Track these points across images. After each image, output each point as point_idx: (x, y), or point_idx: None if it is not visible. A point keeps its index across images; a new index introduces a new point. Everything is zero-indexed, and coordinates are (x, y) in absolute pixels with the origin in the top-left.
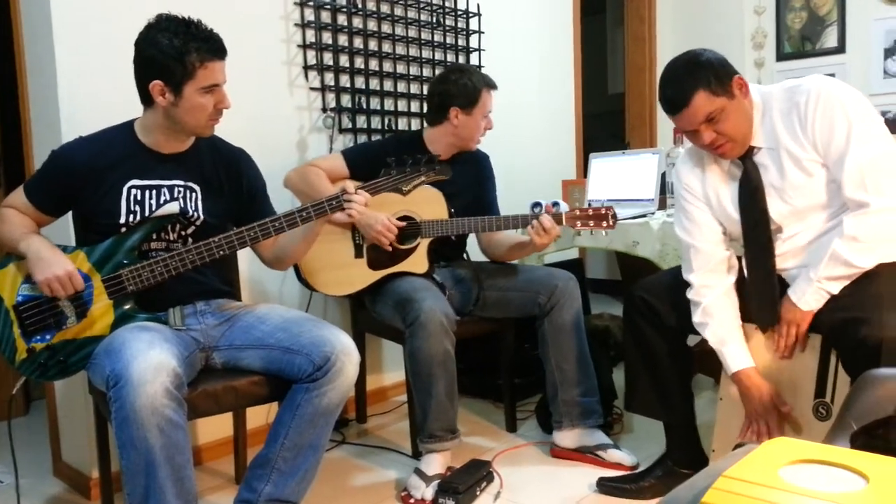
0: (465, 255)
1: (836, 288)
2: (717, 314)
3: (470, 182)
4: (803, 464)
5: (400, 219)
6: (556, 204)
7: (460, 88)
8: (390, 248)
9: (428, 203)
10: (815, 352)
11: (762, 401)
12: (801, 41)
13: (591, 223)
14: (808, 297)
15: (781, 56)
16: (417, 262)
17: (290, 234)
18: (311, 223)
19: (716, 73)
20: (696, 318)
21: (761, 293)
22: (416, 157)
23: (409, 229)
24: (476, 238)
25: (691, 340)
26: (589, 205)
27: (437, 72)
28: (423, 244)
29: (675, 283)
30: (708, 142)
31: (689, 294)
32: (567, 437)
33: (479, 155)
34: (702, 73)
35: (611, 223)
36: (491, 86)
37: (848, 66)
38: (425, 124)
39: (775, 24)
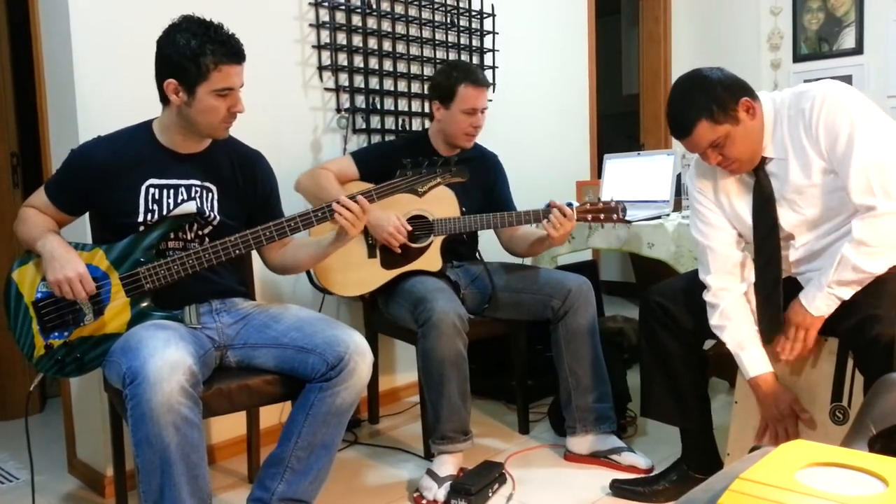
0: (477, 254)
1: (847, 294)
2: (735, 317)
3: (479, 182)
4: (820, 467)
5: (413, 218)
6: (569, 205)
7: (439, 82)
8: (399, 250)
9: (440, 202)
10: (832, 355)
11: (779, 408)
12: (818, 42)
13: (602, 216)
14: (818, 302)
15: (798, 57)
16: (431, 259)
17: (300, 246)
18: (324, 245)
19: (719, 99)
20: (714, 320)
21: (766, 305)
22: (431, 158)
23: (422, 228)
24: (496, 235)
25: (706, 344)
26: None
27: None
28: (437, 242)
29: (692, 287)
30: (714, 164)
31: (707, 296)
32: (580, 443)
33: (488, 154)
34: (703, 102)
35: (620, 216)
36: (476, 82)
37: (866, 68)
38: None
39: (792, 25)
